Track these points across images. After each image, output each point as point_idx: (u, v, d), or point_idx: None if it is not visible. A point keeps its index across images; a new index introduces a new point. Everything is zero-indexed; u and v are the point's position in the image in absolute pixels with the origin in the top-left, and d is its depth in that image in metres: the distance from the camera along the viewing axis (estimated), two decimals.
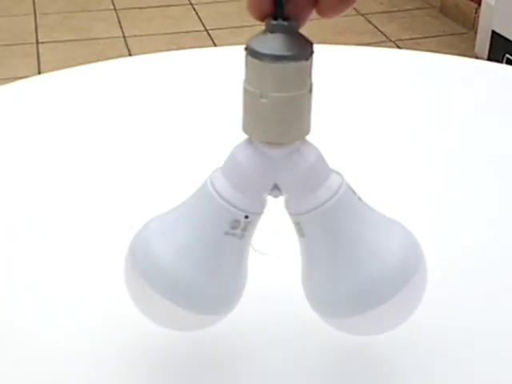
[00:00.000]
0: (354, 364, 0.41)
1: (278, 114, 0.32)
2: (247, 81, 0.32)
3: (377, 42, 2.31)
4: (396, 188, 0.58)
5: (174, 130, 0.66)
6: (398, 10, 2.56)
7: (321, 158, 0.34)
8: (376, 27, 2.43)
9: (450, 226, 0.54)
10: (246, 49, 0.32)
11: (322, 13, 0.32)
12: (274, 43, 0.31)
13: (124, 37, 2.34)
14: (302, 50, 0.31)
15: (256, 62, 0.31)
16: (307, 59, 0.31)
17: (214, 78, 0.75)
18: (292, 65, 0.31)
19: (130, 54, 2.20)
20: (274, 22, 0.31)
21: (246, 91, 0.32)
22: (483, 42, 2.14)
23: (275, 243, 0.48)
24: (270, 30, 0.31)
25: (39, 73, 2.06)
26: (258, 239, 0.49)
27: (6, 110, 0.70)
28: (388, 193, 0.57)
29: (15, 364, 0.41)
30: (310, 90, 0.32)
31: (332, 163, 0.35)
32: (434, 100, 0.73)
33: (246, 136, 0.34)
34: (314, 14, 0.32)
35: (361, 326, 0.37)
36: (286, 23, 0.31)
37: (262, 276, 0.46)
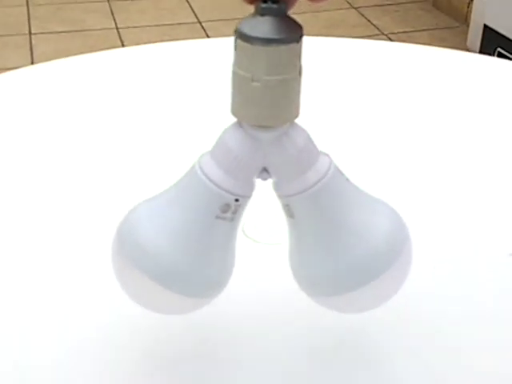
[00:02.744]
0: (350, 348, 0.42)
1: (269, 97, 0.32)
2: (237, 64, 0.32)
3: (369, 36, 2.30)
4: (387, 181, 0.59)
5: (166, 120, 0.66)
6: (391, 4, 2.55)
7: (309, 141, 0.34)
8: (369, 20, 2.43)
9: (442, 212, 0.54)
10: (236, 32, 0.32)
11: None
12: (264, 26, 0.31)
13: (117, 28, 2.33)
14: (293, 32, 0.31)
15: (247, 45, 0.31)
16: (298, 42, 0.32)
17: (206, 70, 0.75)
18: (283, 48, 0.31)
19: (123, 46, 2.19)
20: (264, 5, 0.31)
21: (235, 75, 0.32)
22: (475, 35, 2.14)
23: (267, 231, 0.48)
24: (260, 12, 0.31)
25: (32, 64, 2.05)
26: (250, 226, 0.49)
27: None
28: (372, 181, 0.58)
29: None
30: (300, 73, 0.33)
31: (319, 142, 0.35)
32: (426, 92, 0.73)
33: (234, 120, 0.34)
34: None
35: (347, 304, 0.37)
36: (275, 6, 0.31)
37: (254, 263, 0.47)
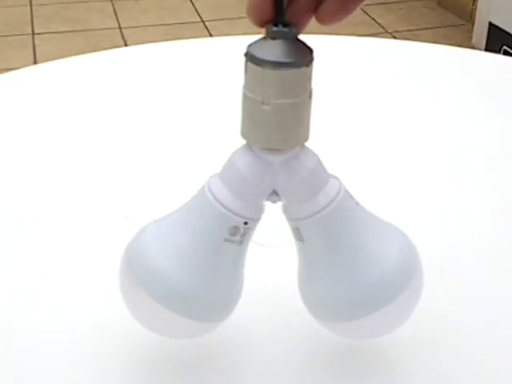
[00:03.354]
0: (354, 353, 0.41)
1: (278, 121, 0.32)
2: (247, 87, 0.32)
3: (374, 34, 2.30)
4: (394, 185, 0.58)
5: (169, 121, 0.66)
6: (395, 2, 2.55)
7: (319, 164, 0.34)
8: (373, 18, 2.42)
9: (449, 223, 0.53)
10: (246, 55, 0.31)
11: (321, 20, 0.32)
12: (275, 50, 0.31)
13: (120, 28, 2.33)
14: (303, 56, 0.31)
15: (257, 68, 0.31)
16: (308, 65, 0.31)
17: (209, 69, 0.75)
18: (294, 71, 0.31)
19: (126, 45, 2.19)
20: (275, 29, 0.31)
21: (245, 97, 0.32)
22: (480, 33, 2.14)
23: (272, 234, 0.48)
24: (271, 36, 0.31)
25: (35, 64, 2.05)
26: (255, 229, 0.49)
27: (1, 100, 0.70)
28: (386, 191, 0.57)
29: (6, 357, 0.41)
30: (310, 96, 0.32)
31: (328, 158, 0.35)
32: (431, 91, 0.72)
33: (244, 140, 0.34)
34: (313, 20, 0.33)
35: (358, 331, 0.37)
36: (286, 29, 0.31)
37: (258, 266, 0.46)
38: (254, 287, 0.44)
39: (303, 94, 0.32)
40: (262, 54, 0.31)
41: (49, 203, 0.54)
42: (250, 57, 0.31)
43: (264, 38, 0.31)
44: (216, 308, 0.36)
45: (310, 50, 0.32)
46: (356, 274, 0.35)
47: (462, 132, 0.65)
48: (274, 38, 0.31)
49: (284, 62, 0.31)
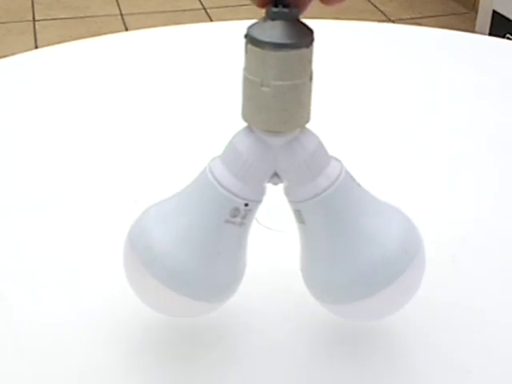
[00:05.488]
0: (365, 337, 0.41)
1: (279, 103, 0.32)
2: (247, 69, 0.32)
3: (376, 21, 2.29)
4: (401, 172, 0.58)
5: (171, 105, 0.66)
6: None
7: (320, 146, 0.34)
8: (376, 6, 2.41)
9: (450, 209, 0.53)
10: (246, 36, 0.31)
11: (324, 0, 0.32)
12: (275, 31, 0.31)
13: (121, 14, 2.32)
14: (303, 37, 0.31)
15: (257, 50, 0.31)
16: (308, 47, 0.31)
17: (210, 54, 0.75)
18: (294, 53, 0.31)
19: None
20: (275, 9, 0.31)
21: (246, 79, 0.32)
22: (484, 21, 2.13)
23: (281, 218, 0.48)
24: (271, 17, 0.31)
25: None
26: (264, 213, 0.49)
27: (2, 84, 0.69)
28: (388, 176, 0.57)
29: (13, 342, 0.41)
30: (311, 78, 0.32)
31: (330, 143, 0.35)
32: (434, 75, 0.72)
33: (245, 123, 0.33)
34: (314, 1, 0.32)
35: (360, 312, 0.37)
36: (286, 10, 0.31)
37: (267, 250, 0.46)
38: (264, 271, 0.44)
39: (303, 75, 0.32)
40: (261, 35, 0.31)
41: (55, 188, 0.54)
42: (249, 38, 0.31)
43: (264, 19, 0.31)
44: (218, 289, 0.36)
45: (311, 31, 0.31)
46: (357, 256, 0.35)
47: (466, 116, 0.65)
48: (273, 19, 0.31)
49: (284, 44, 0.31)
